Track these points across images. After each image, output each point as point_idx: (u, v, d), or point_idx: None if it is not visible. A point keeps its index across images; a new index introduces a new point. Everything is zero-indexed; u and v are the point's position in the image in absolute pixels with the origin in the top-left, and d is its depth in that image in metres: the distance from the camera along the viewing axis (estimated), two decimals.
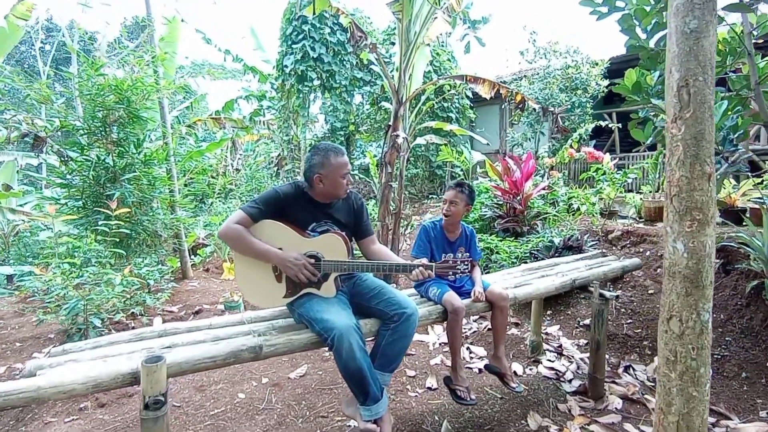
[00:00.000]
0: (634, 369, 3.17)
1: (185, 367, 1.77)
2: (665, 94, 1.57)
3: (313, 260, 2.09)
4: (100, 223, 3.45)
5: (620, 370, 3.15)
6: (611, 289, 2.83)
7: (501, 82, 5.76)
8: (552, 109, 4.85)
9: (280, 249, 2.09)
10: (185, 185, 9.18)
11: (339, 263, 2.09)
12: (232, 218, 2.07)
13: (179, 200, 5.26)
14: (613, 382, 2.99)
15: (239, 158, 12.17)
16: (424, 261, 2.15)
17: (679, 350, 1.52)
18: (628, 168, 5.10)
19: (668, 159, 1.53)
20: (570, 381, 3.06)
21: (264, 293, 2.13)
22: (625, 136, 10.18)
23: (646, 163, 4.21)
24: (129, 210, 3.99)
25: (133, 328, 3.89)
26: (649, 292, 3.81)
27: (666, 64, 1.54)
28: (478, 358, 3.46)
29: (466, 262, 2.11)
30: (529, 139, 8.83)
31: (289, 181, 2.25)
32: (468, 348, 3.62)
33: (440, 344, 3.71)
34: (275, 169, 11.47)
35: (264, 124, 11.32)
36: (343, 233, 2.19)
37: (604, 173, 4.40)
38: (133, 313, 4.05)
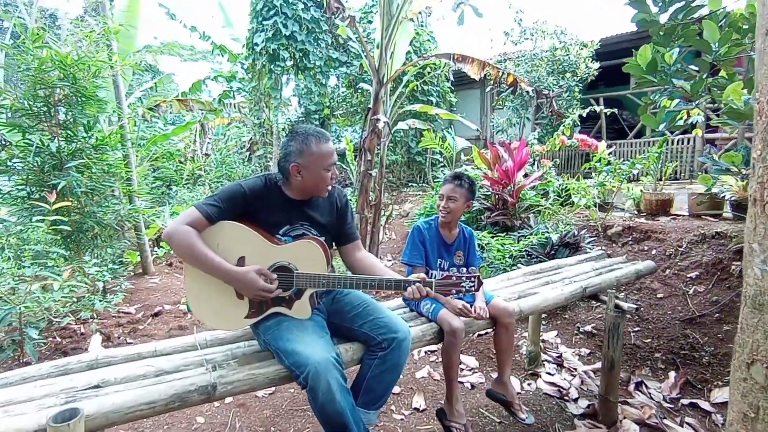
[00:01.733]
0: (647, 386, 2.86)
1: (113, 417, 1.35)
2: (756, 72, 1.19)
3: (282, 273, 1.68)
4: (33, 219, 2.93)
5: (631, 387, 2.84)
6: (626, 298, 2.50)
7: None
8: (547, 92, 4.49)
9: (242, 258, 1.67)
10: (153, 170, 8.64)
11: (316, 277, 1.68)
12: (182, 217, 1.64)
13: (136, 189, 4.72)
14: (625, 402, 2.67)
15: (209, 142, 11.49)
16: (422, 276, 1.76)
17: (763, 405, 1.17)
18: (618, 157, 4.83)
19: (758, 153, 1.16)
20: (575, 400, 2.74)
21: (221, 313, 1.70)
22: (611, 122, 10.00)
23: (657, 151, 3.92)
24: (70, 203, 3.46)
25: (82, 334, 3.41)
26: (658, 296, 3.53)
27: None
28: (469, 370, 3.12)
29: (472, 279, 1.73)
30: (514, 125, 8.50)
31: (258, 174, 1.78)
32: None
33: (426, 353, 3.36)
34: (247, 154, 10.87)
35: (235, 107, 10.68)
36: (322, 238, 1.78)
37: (608, 163, 4.09)
38: (82, 317, 3.57)
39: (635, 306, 2.44)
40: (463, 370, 3.12)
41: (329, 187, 1.80)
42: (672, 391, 2.84)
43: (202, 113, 9.95)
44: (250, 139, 10.59)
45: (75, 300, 3.43)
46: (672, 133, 7.42)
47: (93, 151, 3.85)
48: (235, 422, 2.54)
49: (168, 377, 1.56)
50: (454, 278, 1.74)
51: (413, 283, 1.71)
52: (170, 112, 8.63)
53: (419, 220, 2.41)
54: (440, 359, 3.29)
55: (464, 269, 2.30)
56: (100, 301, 3.39)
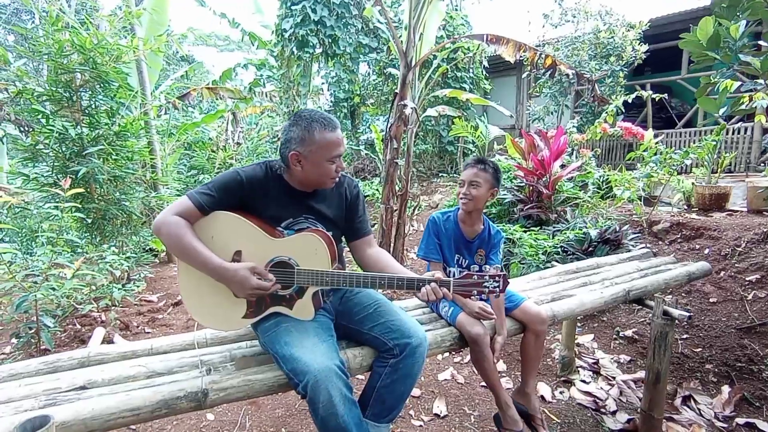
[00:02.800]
0: (696, 401, 2.55)
1: (93, 424, 1.24)
2: None
3: (281, 270, 1.52)
4: (45, 206, 2.90)
5: (678, 401, 2.55)
6: (676, 303, 2.21)
7: None
8: (588, 75, 4.14)
9: (239, 252, 1.52)
10: (189, 158, 8.73)
11: (319, 275, 1.51)
12: (172, 207, 1.49)
13: (160, 177, 4.69)
14: (671, 419, 2.38)
15: (241, 132, 11.53)
16: (438, 275, 1.55)
17: None
18: (666, 147, 4.39)
19: None
20: (613, 413, 2.48)
21: (216, 313, 1.55)
22: (658, 110, 9.36)
23: (715, 139, 3.52)
24: (83, 189, 3.42)
25: (102, 322, 3.40)
26: (711, 300, 3.18)
27: None
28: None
29: (497, 278, 1.51)
30: (551, 113, 8.05)
31: (258, 161, 1.60)
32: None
33: (450, 353, 3.15)
34: (278, 143, 10.83)
35: (266, 96, 10.66)
36: (329, 233, 1.61)
37: (657, 152, 3.71)
38: (107, 304, 3.57)
39: (688, 314, 2.15)
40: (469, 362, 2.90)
41: (335, 180, 1.61)
42: (725, 408, 2.53)
43: (233, 102, 9.97)
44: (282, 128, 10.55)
45: (95, 288, 3.42)
46: (727, 120, 6.82)
47: (115, 138, 3.82)
48: (246, 421, 2.42)
49: (158, 380, 1.44)
50: (475, 277, 1.52)
51: (428, 283, 1.51)
52: (202, 101, 8.66)
53: (436, 212, 2.19)
54: (465, 360, 3.09)
55: (480, 259, 2.08)
56: (119, 289, 3.35)
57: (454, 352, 3.11)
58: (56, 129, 3.52)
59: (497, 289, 1.52)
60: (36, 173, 3.68)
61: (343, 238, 1.80)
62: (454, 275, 2.12)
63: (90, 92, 3.80)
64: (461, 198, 2.04)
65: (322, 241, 1.51)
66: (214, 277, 1.45)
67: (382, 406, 1.56)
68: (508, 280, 1.54)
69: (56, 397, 1.31)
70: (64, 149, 3.65)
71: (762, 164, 7.23)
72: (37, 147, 3.62)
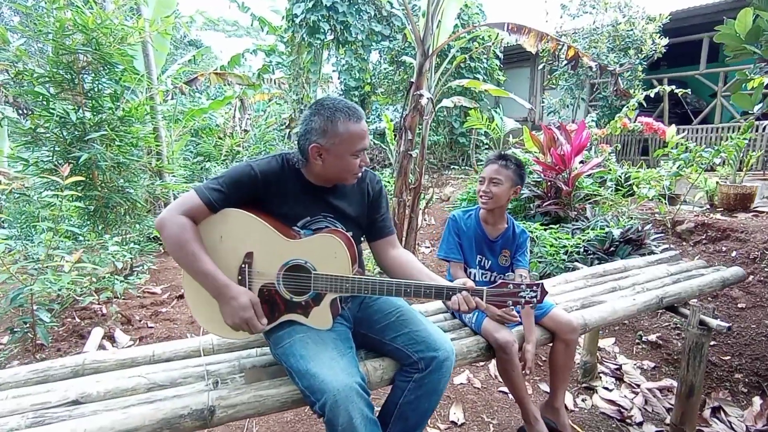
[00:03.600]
0: (726, 413, 2.42)
1: None
2: None
3: (297, 274, 1.38)
4: (44, 194, 2.76)
5: (707, 413, 2.41)
6: (713, 312, 2.06)
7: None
8: (611, 68, 3.95)
9: (250, 253, 1.37)
10: (195, 145, 8.58)
11: (338, 280, 1.37)
12: (179, 204, 1.34)
13: (166, 165, 4.55)
14: (700, 431, 2.26)
15: (248, 119, 11.35)
16: (469, 283, 1.40)
17: None
18: (682, 142, 4.19)
19: None
20: (640, 425, 2.34)
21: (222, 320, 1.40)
22: (673, 105, 9.12)
23: (746, 137, 3.34)
24: (84, 177, 3.28)
25: (103, 315, 3.28)
26: (739, 305, 3.03)
27: None
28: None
29: (534, 288, 1.36)
30: (567, 106, 7.82)
31: (273, 153, 1.47)
32: None
33: None
34: (287, 131, 10.66)
35: (275, 83, 10.45)
36: (348, 233, 1.46)
37: (686, 150, 3.53)
38: (108, 297, 3.45)
39: (727, 324, 2.00)
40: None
41: (357, 176, 1.46)
42: (757, 421, 2.40)
43: (242, 88, 9.79)
44: (290, 115, 10.36)
45: (95, 280, 3.29)
46: (764, 118, 6.58)
47: (119, 123, 3.66)
48: (252, 426, 2.30)
49: (160, 393, 1.31)
50: (510, 286, 1.37)
51: (459, 291, 1.36)
52: (210, 86, 8.49)
53: (457, 210, 2.04)
54: (481, 362, 2.96)
55: (504, 260, 1.94)
56: (121, 281, 3.22)
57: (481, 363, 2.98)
58: (57, 112, 3.37)
59: (534, 299, 1.37)
60: (36, 158, 3.54)
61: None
62: (474, 277, 1.99)
63: (93, 75, 3.64)
64: (481, 196, 1.90)
65: (342, 243, 1.36)
66: (212, 291, 1.31)
67: (405, 424, 1.42)
68: (547, 290, 1.39)
69: (45, 414, 1.17)
70: (65, 134, 3.49)
71: None
72: (37, 131, 3.47)
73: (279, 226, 1.39)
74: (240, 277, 1.37)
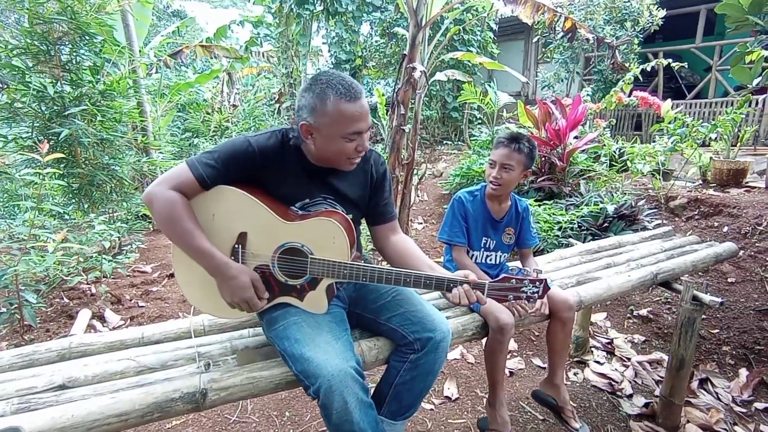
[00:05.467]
0: (713, 384, 2.47)
1: None
2: None
3: (293, 258, 1.33)
4: (25, 170, 2.66)
5: (694, 384, 2.45)
6: (706, 288, 2.07)
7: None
8: (609, 40, 3.86)
9: (244, 234, 1.32)
10: (183, 121, 8.37)
11: (335, 266, 1.32)
12: (169, 177, 1.26)
13: (151, 141, 4.42)
14: (689, 403, 2.29)
15: (237, 93, 11.09)
16: (472, 277, 1.35)
17: None
18: (679, 116, 4.14)
19: None
20: (630, 397, 2.38)
21: (215, 298, 1.33)
22: (667, 80, 9.04)
23: (743, 111, 3.29)
24: (63, 155, 3.17)
25: (92, 295, 3.23)
26: (729, 280, 3.06)
27: None
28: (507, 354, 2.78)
29: (537, 284, 1.34)
30: (561, 81, 7.71)
31: (272, 128, 1.39)
32: None
33: None
34: (276, 106, 10.45)
35: (263, 56, 10.17)
36: (348, 215, 1.41)
37: (683, 124, 3.48)
38: (97, 277, 3.39)
39: (720, 300, 2.00)
40: None
41: (353, 162, 1.36)
42: (743, 392, 2.45)
43: (229, 61, 9.50)
44: (279, 90, 10.13)
45: (82, 260, 3.23)
46: (762, 92, 6.53)
47: (100, 98, 3.53)
48: (247, 404, 2.30)
49: (150, 377, 1.27)
50: (513, 281, 1.34)
51: (460, 284, 1.32)
52: (195, 59, 8.25)
53: (461, 191, 1.99)
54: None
55: (507, 239, 1.92)
56: (109, 261, 3.16)
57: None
58: (34, 86, 3.23)
59: (536, 295, 1.35)
60: (15, 134, 3.41)
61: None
62: (476, 259, 1.96)
63: (70, 46, 3.48)
64: (491, 181, 1.85)
65: (341, 227, 1.30)
66: (210, 270, 1.26)
67: (400, 404, 1.41)
68: (549, 286, 1.36)
69: (30, 399, 1.13)
70: (43, 109, 3.36)
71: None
72: (14, 106, 3.33)
73: (275, 207, 1.33)
74: (233, 258, 1.32)
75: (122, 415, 1.11)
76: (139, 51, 4.58)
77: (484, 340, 2.77)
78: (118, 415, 1.11)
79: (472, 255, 1.94)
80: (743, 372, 2.58)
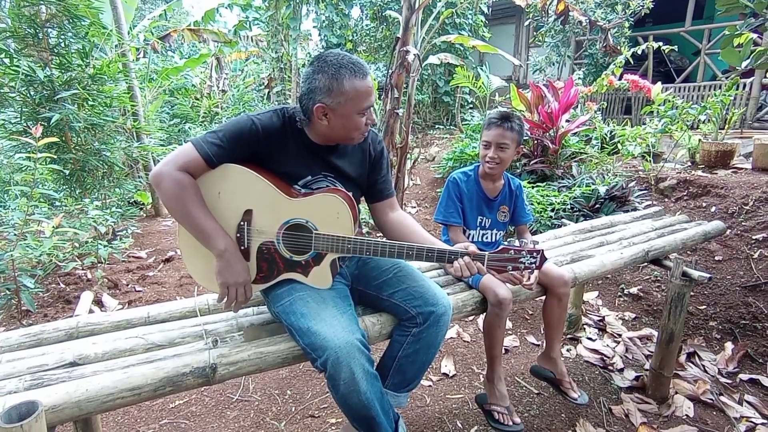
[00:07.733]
0: (700, 357, 2.56)
1: (88, 407, 1.10)
2: None
3: (298, 234, 1.35)
4: (16, 156, 2.64)
5: (683, 358, 2.54)
6: (695, 264, 2.13)
7: None
8: (601, 23, 3.88)
9: (249, 211, 1.34)
10: (171, 107, 8.24)
11: (340, 241, 1.35)
12: (175, 157, 1.28)
13: (143, 126, 4.38)
14: (677, 375, 2.38)
15: (225, 78, 10.94)
16: (471, 248, 1.40)
17: None
18: (670, 99, 4.19)
19: None
20: (621, 371, 2.46)
21: None
22: (657, 64, 9.10)
23: (732, 93, 3.35)
24: (57, 138, 3.14)
25: (89, 280, 3.23)
26: (716, 258, 3.14)
27: None
28: None
29: (534, 254, 1.38)
30: (553, 64, 7.73)
31: (272, 107, 1.42)
32: None
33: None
34: (266, 91, 10.33)
35: (252, 41, 10.02)
36: (349, 193, 1.43)
37: (673, 107, 3.54)
38: (92, 262, 3.38)
39: (708, 275, 2.07)
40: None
41: (363, 134, 1.41)
42: (728, 364, 2.55)
43: (217, 46, 9.35)
44: (269, 75, 10.01)
45: (77, 245, 3.21)
46: (748, 75, 6.61)
47: (90, 82, 3.48)
48: (249, 383, 2.34)
49: (159, 353, 1.30)
50: (511, 252, 1.38)
51: (461, 256, 1.36)
52: (183, 44, 8.11)
53: (456, 172, 2.02)
54: (470, 317, 3.04)
55: (503, 217, 1.97)
56: (105, 246, 3.15)
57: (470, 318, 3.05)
58: (22, 70, 3.18)
59: (533, 265, 1.40)
60: (3, 120, 3.36)
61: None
62: (472, 238, 2.00)
63: (58, 29, 3.42)
64: (487, 162, 1.88)
65: (345, 203, 1.33)
66: (215, 251, 1.29)
67: (403, 377, 1.46)
68: (546, 256, 1.40)
69: (43, 376, 1.15)
70: (32, 93, 3.31)
71: (758, 121, 7.14)
72: (1, 90, 3.27)
73: (280, 184, 1.35)
74: (239, 235, 1.35)
75: (135, 389, 1.14)
76: (128, 34, 4.50)
77: (480, 319, 2.85)
78: (131, 389, 1.13)
79: (469, 234, 1.97)
80: (729, 345, 2.67)
